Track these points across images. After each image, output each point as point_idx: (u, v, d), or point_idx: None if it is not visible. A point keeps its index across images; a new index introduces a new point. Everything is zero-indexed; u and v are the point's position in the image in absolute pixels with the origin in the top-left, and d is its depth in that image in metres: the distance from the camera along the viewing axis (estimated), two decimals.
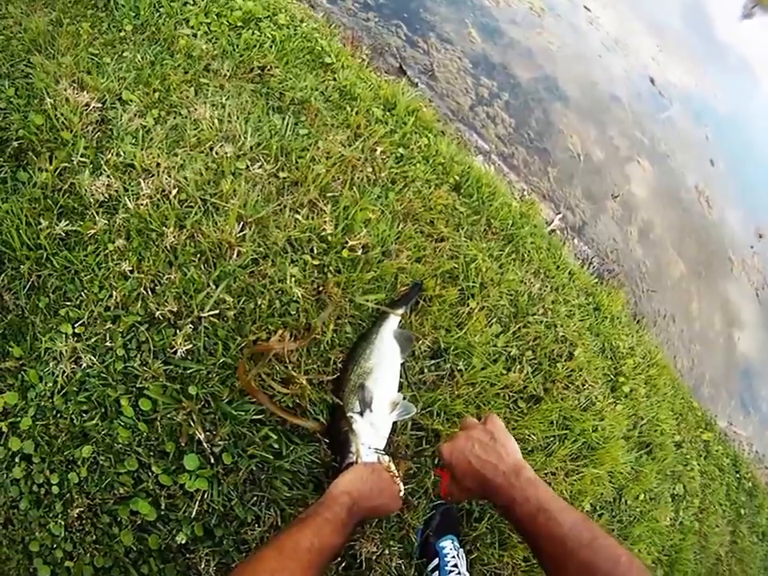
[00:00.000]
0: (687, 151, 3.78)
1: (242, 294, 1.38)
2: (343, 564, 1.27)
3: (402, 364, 1.46)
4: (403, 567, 1.35)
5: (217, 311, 1.33)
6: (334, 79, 1.98)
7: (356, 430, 1.20)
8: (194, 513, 1.15)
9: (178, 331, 1.29)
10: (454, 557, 1.38)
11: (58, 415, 1.19)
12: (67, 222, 1.38)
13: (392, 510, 1.02)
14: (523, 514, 0.82)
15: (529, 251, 2.06)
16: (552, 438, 1.77)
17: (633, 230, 3.00)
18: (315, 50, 2.02)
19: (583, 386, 1.97)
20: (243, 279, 1.40)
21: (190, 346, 1.28)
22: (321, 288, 1.47)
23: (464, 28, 3.01)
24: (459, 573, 1.35)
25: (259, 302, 1.38)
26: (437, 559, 1.38)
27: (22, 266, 1.31)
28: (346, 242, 1.57)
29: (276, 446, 1.25)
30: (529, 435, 1.70)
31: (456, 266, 1.78)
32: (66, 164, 1.46)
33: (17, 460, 1.16)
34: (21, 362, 1.23)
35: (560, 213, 2.62)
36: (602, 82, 3.58)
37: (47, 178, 1.42)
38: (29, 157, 1.46)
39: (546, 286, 2.04)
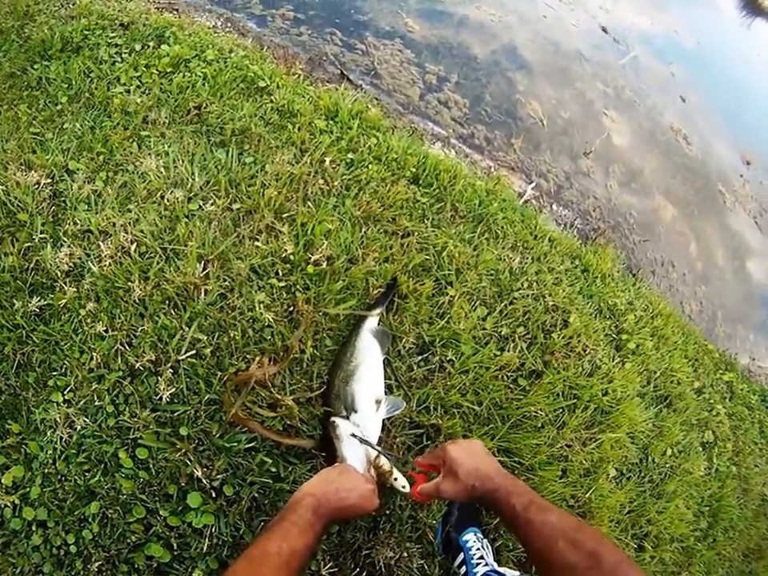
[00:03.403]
0: (654, 93, 3.82)
1: (214, 330, 1.49)
2: (365, 573, 1.36)
3: (384, 361, 1.55)
4: (426, 567, 1.43)
5: (193, 351, 1.45)
6: (272, 101, 2.10)
7: (339, 435, 1.29)
8: (205, 548, 1.25)
9: (159, 378, 1.40)
10: (479, 548, 1.43)
11: (63, 479, 1.31)
12: (39, 297, 1.51)
13: (366, 509, 1.06)
14: (518, 504, 0.93)
15: (502, 227, 2.14)
16: (561, 410, 1.83)
17: (612, 184, 3.05)
18: (248, 77, 2.15)
19: (585, 351, 2.02)
20: (213, 316, 1.51)
21: (174, 389, 1.39)
22: (291, 308, 1.58)
23: (399, 20, 3.11)
24: (486, 564, 1.40)
25: (232, 335, 1.48)
26: (462, 554, 1.43)
27: (5, 348, 1.44)
28: (309, 258, 1.67)
29: (274, 469, 1.35)
30: (536, 412, 1.76)
31: (427, 257, 1.87)
32: (28, 243, 1.60)
33: (34, 528, 1.27)
34: (21, 437, 1.35)
35: (532, 182, 2.69)
36: (552, 43, 3.64)
37: (13, 260, 1.55)
38: None
39: (527, 258, 2.12)
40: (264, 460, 1.35)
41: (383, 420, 1.44)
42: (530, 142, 2.90)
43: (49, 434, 1.34)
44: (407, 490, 1.25)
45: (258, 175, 1.84)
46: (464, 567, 1.41)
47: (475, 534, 1.48)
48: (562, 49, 3.63)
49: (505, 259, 2.05)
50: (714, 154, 3.78)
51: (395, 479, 1.26)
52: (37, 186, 1.71)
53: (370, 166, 2.01)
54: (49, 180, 1.74)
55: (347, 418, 1.35)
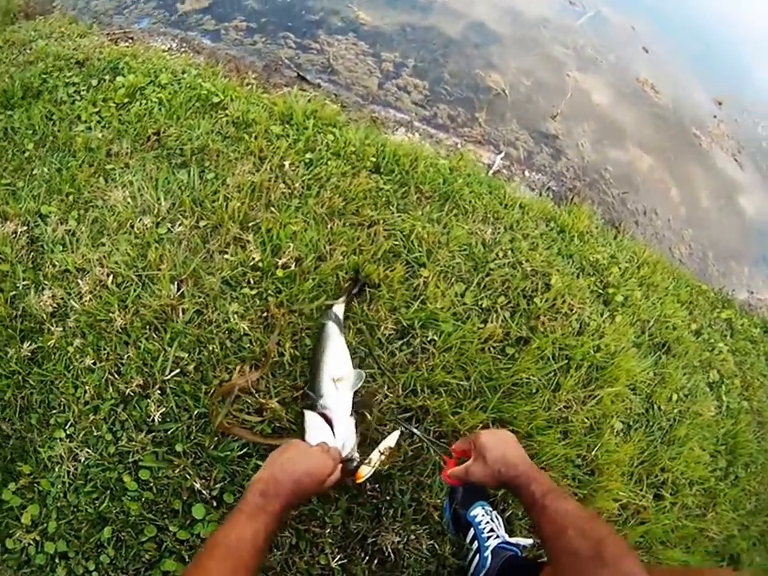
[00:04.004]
0: (617, 48, 3.77)
1: (195, 347, 1.57)
2: (375, 560, 1.41)
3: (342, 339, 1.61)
4: (436, 546, 1.47)
5: (178, 370, 1.53)
6: (226, 115, 2.15)
7: (306, 424, 1.37)
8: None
9: (149, 400, 1.48)
10: (488, 522, 1.46)
11: (76, 509, 1.40)
12: (30, 342, 1.60)
13: (319, 477, 1.07)
14: (537, 491, 1.01)
15: (469, 201, 2.16)
16: (553, 373, 1.86)
17: (583, 142, 3.02)
18: (202, 96, 2.21)
19: (571, 310, 2.04)
20: (192, 333, 1.58)
21: (164, 409, 1.47)
22: (265, 314, 1.64)
23: (350, 13, 3.12)
24: (498, 536, 1.43)
25: (212, 348, 1.56)
26: (472, 529, 1.46)
27: (6, 395, 1.53)
28: (278, 263, 1.73)
29: None
30: (527, 378, 1.79)
31: (396, 242, 1.91)
32: (13, 292, 1.69)
33: (57, 560, 1.37)
34: (32, 476, 1.45)
35: (501, 152, 2.69)
36: (507, 13, 3.59)
37: (2, 311, 1.64)
38: None
39: (499, 229, 2.14)
40: (258, 464, 1.42)
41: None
42: (494, 114, 2.89)
43: (57, 469, 1.43)
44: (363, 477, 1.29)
45: (221, 190, 1.90)
46: (476, 542, 1.45)
47: (483, 508, 1.51)
48: (518, 18, 3.58)
49: (476, 233, 2.08)
50: (684, 100, 3.72)
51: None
52: (14, 235, 1.80)
53: (329, 162, 2.06)
54: (24, 228, 1.82)
55: (316, 403, 1.41)
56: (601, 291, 2.20)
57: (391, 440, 1.35)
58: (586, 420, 1.83)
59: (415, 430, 1.44)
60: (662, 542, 1.77)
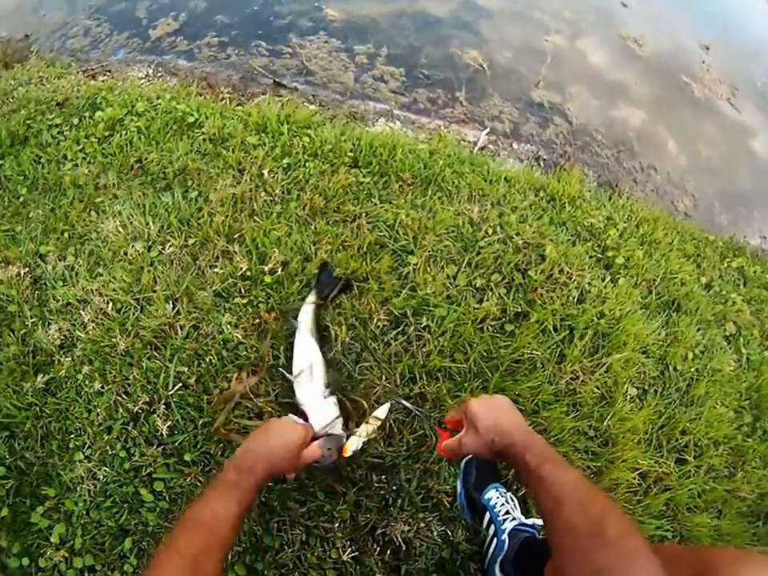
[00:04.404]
0: (595, 8, 3.74)
1: (194, 360, 1.66)
2: (388, 551, 1.47)
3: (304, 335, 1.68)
4: (448, 532, 1.51)
5: (180, 384, 1.62)
6: (203, 133, 2.25)
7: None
8: (230, 558, 1.42)
9: (156, 416, 1.59)
10: (503, 504, 1.48)
11: (98, 525, 1.51)
12: (42, 374, 1.72)
13: (293, 452, 1.14)
14: (532, 461, 0.96)
15: (452, 182, 2.20)
16: (556, 345, 1.87)
17: (570, 106, 3.00)
18: (177, 118, 2.31)
19: (570, 279, 2.05)
20: (190, 347, 1.68)
21: (170, 422, 1.57)
22: (257, 320, 1.72)
23: (318, 12, 3.19)
24: (514, 518, 1.44)
25: (209, 360, 1.65)
26: (487, 513, 1.48)
27: (26, 426, 1.66)
28: (265, 269, 1.81)
29: None
30: (530, 352, 1.81)
31: (380, 233, 1.97)
32: (23, 330, 1.81)
33: (85, 574, 1.48)
34: (57, 498, 1.56)
35: (486, 128, 2.71)
36: None
37: (15, 349, 1.77)
38: None
39: (485, 206, 2.17)
40: None
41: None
42: (475, 91, 2.91)
43: (78, 489, 1.54)
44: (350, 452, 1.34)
45: (204, 207, 2.00)
46: (492, 526, 1.46)
47: (497, 490, 1.52)
48: None
49: (463, 213, 2.11)
50: (669, 49, 3.65)
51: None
52: (18, 277, 1.93)
53: (306, 164, 2.13)
54: (26, 269, 1.95)
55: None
56: (600, 255, 2.20)
57: (380, 412, 1.40)
58: (595, 390, 1.83)
59: (406, 403, 1.45)
60: (688, 509, 1.74)
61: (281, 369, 1.61)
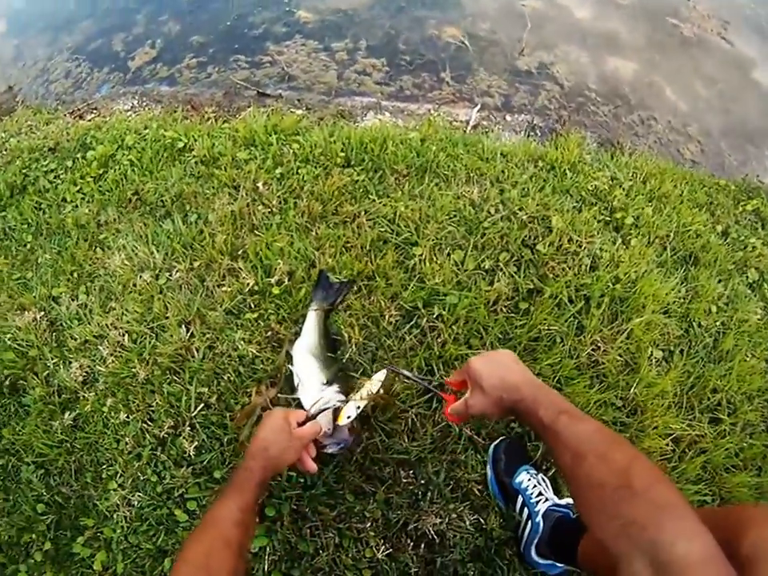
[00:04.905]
0: None
1: (213, 379, 1.73)
2: (422, 545, 1.51)
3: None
4: (481, 520, 1.54)
5: (202, 404, 1.69)
6: (194, 156, 2.33)
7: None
8: (266, 567, 1.48)
9: (182, 438, 1.66)
10: (535, 486, 1.50)
11: (137, 548, 1.58)
12: (69, 411, 1.81)
13: (280, 435, 1.23)
14: (546, 416, 0.92)
15: (448, 166, 2.23)
16: (573, 317, 1.89)
17: (558, 68, 3.00)
18: (167, 145, 2.39)
19: (580, 247, 2.06)
20: (208, 367, 1.75)
21: (197, 443, 1.64)
22: (270, 333, 1.79)
23: (290, 16, 3.24)
24: (547, 499, 1.46)
25: (227, 377, 1.72)
26: (519, 496, 1.50)
27: (59, 462, 1.75)
28: (271, 281, 1.88)
29: (302, 479, 1.56)
30: (547, 328, 1.83)
31: (381, 229, 2.01)
32: (46, 372, 1.91)
33: None
34: (96, 528, 1.65)
35: (476, 105, 2.73)
36: None
37: (40, 391, 1.87)
38: (20, 384, 1.93)
39: (485, 185, 2.19)
40: (290, 475, 1.56)
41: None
42: (459, 69, 2.93)
43: (115, 516, 1.62)
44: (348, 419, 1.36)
45: (205, 228, 2.07)
46: (525, 509, 1.47)
47: (528, 473, 1.53)
48: None
49: (463, 196, 2.14)
50: None
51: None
52: (35, 322, 2.02)
53: (299, 171, 2.19)
54: (42, 313, 2.05)
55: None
56: (608, 218, 2.20)
57: (375, 379, 1.42)
58: (618, 358, 1.83)
59: (402, 371, 1.45)
60: (726, 470, 1.73)
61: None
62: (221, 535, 0.99)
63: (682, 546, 0.69)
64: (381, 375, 1.44)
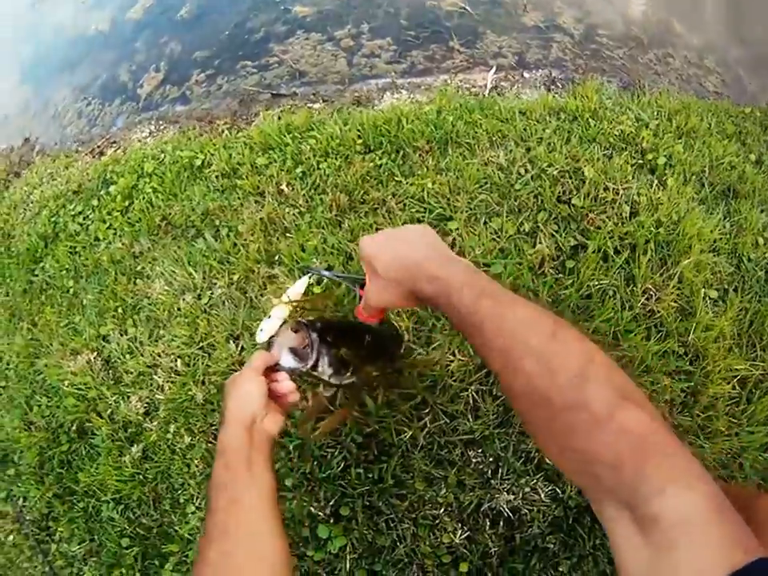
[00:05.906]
0: None
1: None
2: (500, 523, 1.53)
3: None
4: (557, 489, 1.55)
5: None
6: (213, 170, 2.42)
7: None
8: (348, 566, 1.53)
9: None
10: None
11: None
12: (136, 444, 1.93)
13: (243, 393, 0.94)
14: (462, 302, 0.73)
15: (468, 134, 2.23)
16: (621, 268, 1.88)
17: (564, 19, 3.00)
18: (185, 164, 2.50)
19: (617, 195, 2.05)
20: None
21: None
22: None
23: (287, 13, 3.32)
24: None
25: None
26: None
27: (135, 494, 1.86)
28: (311, 282, 1.94)
29: (370, 474, 1.60)
30: (597, 284, 1.83)
31: (413, 209, 2.03)
32: (109, 410, 2.03)
33: None
34: (181, 552, 1.74)
35: (492, 67, 2.74)
36: None
37: (107, 429, 1.98)
38: (87, 426, 2.06)
39: (509, 147, 2.18)
40: (358, 473, 1.60)
41: None
42: (467, 35, 2.96)
43: (197, 538, 1.72)
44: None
45: (238, 240, 2.15)
46: None
47: None
48: None
49: (489, 161, 2.14)
50: None
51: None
52: (89, 364, 2.16)
53: (320, 165, 2.24)
54: (95, 353, 2.18)
55: None
56: (641, 161, 2.18)
57: (297, 285, 1.58)
58: (673, 304, 1.82)
59: (323, 271, 1.56)
60: None
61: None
62: (213, 516, 0.85)
63: (675, 495, 0.52)
64: (303, 279, 1.64)
